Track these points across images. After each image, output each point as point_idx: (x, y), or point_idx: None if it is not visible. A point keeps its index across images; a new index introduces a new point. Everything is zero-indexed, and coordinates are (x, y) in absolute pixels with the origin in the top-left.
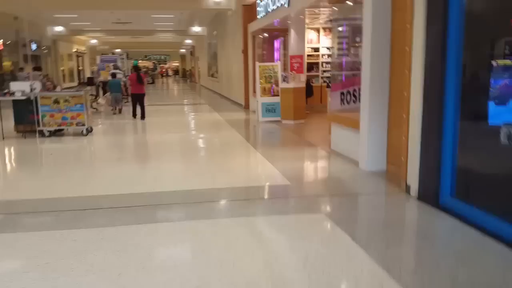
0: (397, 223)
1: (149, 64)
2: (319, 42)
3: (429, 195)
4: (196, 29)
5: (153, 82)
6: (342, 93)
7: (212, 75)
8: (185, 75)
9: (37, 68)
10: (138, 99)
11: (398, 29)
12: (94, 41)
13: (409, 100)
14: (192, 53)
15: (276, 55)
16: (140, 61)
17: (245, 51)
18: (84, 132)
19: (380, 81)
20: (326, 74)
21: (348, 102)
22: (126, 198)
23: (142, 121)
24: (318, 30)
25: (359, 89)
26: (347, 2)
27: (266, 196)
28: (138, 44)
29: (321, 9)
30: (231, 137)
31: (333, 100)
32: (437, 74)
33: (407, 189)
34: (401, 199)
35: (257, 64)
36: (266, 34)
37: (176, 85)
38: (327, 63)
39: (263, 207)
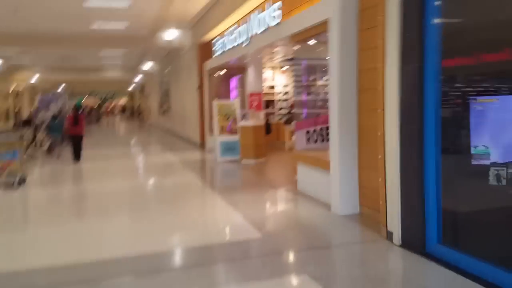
0: (386, 277)
1: (94, 102)
2: (273, 80)
3: (414, 242)
4: (147, 66)
5: (98, 121)
6: (307, 132)
7: (164, 113)
8: (133, 112)
9: None
10: (76, 141)
11: (366, 68)
12: (35, 79)
13: (384, 140)
14: (141, 90)
15: (232, 93)
16: (85, 99)
17: (201, 88)
18: (15, 184)
19: (348, 120)
20: (282, 111)
21: (315, 141)
22: (59, 272)
23: (79, 165)
24: (273, 68)
25: (326, 128)
26: (308, 42)
27: (234, 256)
28: (84, 82)
29: (279, 47)
30: (187, 181)
31: (298, 138)
32: (415, 112)
33: (389, 236)
34: (383, 248)
35: (215, 102)
36: (222, 72)
37: (124, 123)
38: (283, 100)
39: (233, 272)
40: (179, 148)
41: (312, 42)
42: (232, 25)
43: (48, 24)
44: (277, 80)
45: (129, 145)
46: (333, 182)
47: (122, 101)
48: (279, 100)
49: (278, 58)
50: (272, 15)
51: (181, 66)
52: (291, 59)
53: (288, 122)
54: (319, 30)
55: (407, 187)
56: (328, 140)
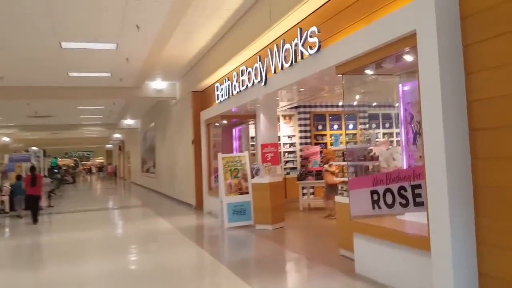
0: None
1: (69, 162)
2: (279, 130)
3: None
4: (129, 121)
5: (74, 182)
6: (374, 192)
7: (148, 171)
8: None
9: None
10: (33, 202)
11: (484, 98)
12: (5, 139)
13: None
14: (120, 148)
15: (235, 145)
16: (59, 159)
17: (196, 142)
18: None
19: (458, 174)
20: (288, 165)
21: (389, 205)
22: None
23: (45, 236)
24: (278, 118)
25: (413, 186)
26: (365, 71)
27: None
28: (58, 141)
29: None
30: (196, 260)
31: (356, 201)
32: None
33: None
34: None
35: (220, 155)
36: (224, 122)
37: (101, 183)
38: (289, 152)
39: None
40: (170, 211)
41: (370, 71)
42: (238, 66)
43: (20, 74)
44: (283, 131)
45: (109, 208)
46: (438, 269)
47: (99, 160)
48: (285, 152)
49: (282, 106)
50: (305, 44)
51: (169, 119)
52: (296, 107)
53: (301, 178)
54: (390, 50)
55: None
56: (409, 204)
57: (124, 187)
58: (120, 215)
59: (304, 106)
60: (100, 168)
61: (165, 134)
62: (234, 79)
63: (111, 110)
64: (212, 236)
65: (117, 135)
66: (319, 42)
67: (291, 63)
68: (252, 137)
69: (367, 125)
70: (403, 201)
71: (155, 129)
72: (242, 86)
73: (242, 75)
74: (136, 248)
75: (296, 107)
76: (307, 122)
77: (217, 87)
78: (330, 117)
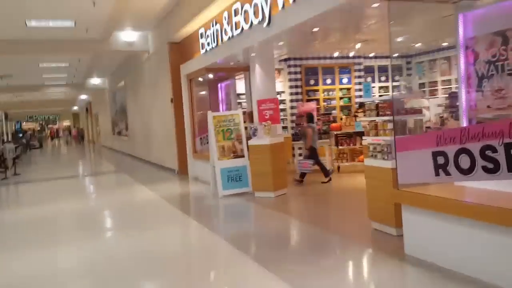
0: None
1: (35, 125)
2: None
3: None
4: (96, 81)
5: (40, 146)
6: (439, 154)
7: (120, 133)
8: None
9: None
10: None
11: None
12: None
13: None
14: (88, 110)
15: (222, 102)
16: (24, 123)
17: (176, 100)
18: None
19: None
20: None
21: (465, 170)
22: None
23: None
24: None
25: (506, 145)
26: None
27: None
28: (22, 103)
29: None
30: (196, 239)
31: (407, 165)
32: None
33: None
34: None
35: (210, 114)
36: (210, 76)
37: (70, 148)
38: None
39: None
40: (150, 177)
41: None
42: (231, 5)
43: None
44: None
45: (82, 175)
46: None
47: (66, 123)
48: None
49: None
50: None
51: (142, 76)
52: (285, 60)
53: (297, 138)
54: None
55: None
56: (499, 169)
57: (94, 151)
58: (95, 182)
59: (295, 59)
60: (70, 131)
61: (137, 93)
62: (225, 22)
63: (77, 68)
64: (207, 207)
65: (83, 96)
66: None
67: None
68: (239, 94)
69: (363, 78)
70: (490, 165)
71: (126, 88)
72: (236, 29)
73: (235, 16)
74: (121, 224)
75: (286, 60)
76: (298, 76)
77: (201, 34)
78: (322, 71)
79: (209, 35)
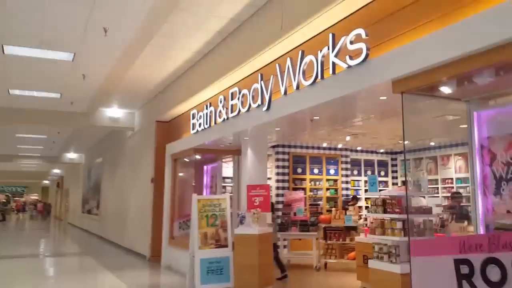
0: None
1: (1, 197)
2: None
3: None
4: (72, 155)
5: (3, 219)
6: (462, 262)
7: (89, 212)
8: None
9: None
10: None
11: None
12: None
13: None
14: (59, 185)
15: (206, 185)
16: None
17: (157, 180)
18: None
19: None
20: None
21: (495, 284)
22: None
23: None
24: None
25: None
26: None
27: None
28: None
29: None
30: None
31: (423, 273)
32: None
33: None
34: None
35: (195, 197)
36: (197, 157)
37: (36, 223)
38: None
39: None
40: (118, 263)
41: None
42: (227, 89)
43: None
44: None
45: (42, 255)
46: None
47: (34, 197)
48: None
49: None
50: (339, 54)
51: (122, 153)
52: (273, 146)
53: (283, 228)
54: (481, 61)
55: None
56: None
57: (60, 229)
58: (55, 265)
59: (283, 146)
60: (36, 206)
61: (115, 170)
62: (220, 104)
63: (55, 141)
64: None
65: (56, 171)
66: (367, 49)
67: (314, 79)
68: (225, 178)
69: (350, 171)
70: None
71: (103, 164)
72: (232, 112)
73: (232, 99)
74: None
75: (274, 147)
76: (286, 163)
77: (193, 114)
78: (310, 160)
79: (202, 116)
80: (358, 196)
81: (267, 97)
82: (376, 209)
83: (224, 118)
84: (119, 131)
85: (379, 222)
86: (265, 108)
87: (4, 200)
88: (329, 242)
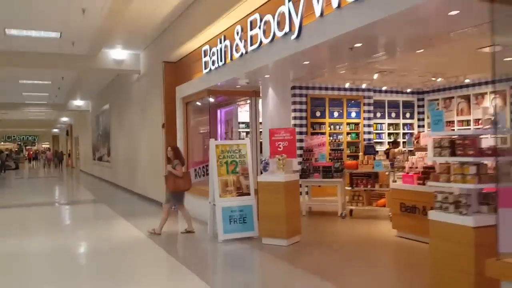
0: None
1: (13, 146)
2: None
3: None
4: (78, 102)
5: (16, 168)
6: None
7: (100, 159)
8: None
9: None
10: None
11: None
12: None
13: None
14: (68, 133)
15: (220, 130)
16: (1, 143)
17: (168, 125)
18: None
19: None
20: None
21: None
22: None
23: None
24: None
25: None
26: None
27: None
28: (0, 122)
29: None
30: None
31: None
32: None
33: None
34: None
35: (213, 142)
36: (211, 99)
37: (47, 171)
38: None
39: None
40: (134, 210)
41: None
42: (245, 17)
43: None
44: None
45: (57, 203)
46: None
47: (45, 145)
48: None
49: None
50: None
51: (129, 98)
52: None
53: (305, 175)
54: None
55: None
56: None
57: (72, 176)
58: (71, 213)
59: (300, 87)
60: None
61: (123, 117)
62: (237, 37)
63: (59, 87)
64: (205, 254)
65: (65, 119)
66: None
67: None
68: (242, 122)
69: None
70: None
71: (110, 111)
72: (251, 44)
73: (251, 29)
74: (96, 273)
75: (291, 88)
76: (303, 107)
77: (204, 51)
78: (329, 102)
79: (215, 52)
80: (394, 141)
81: (297, 22)
82: (441, 151)
83: (242, 53)
84: (124, 75)
85: (445, 167)
86: (294, 35)
87: (16, 149)
88: (356, 188)
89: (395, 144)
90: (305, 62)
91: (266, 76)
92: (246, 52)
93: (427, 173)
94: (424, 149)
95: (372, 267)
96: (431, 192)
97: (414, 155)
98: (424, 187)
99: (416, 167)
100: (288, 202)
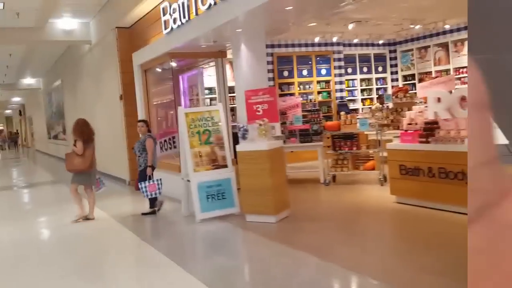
0: None
1: None
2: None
3: None
4: (29, 81)
5: None
6: None
7: (56, 137)
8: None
9: None
10: None
11: None
12: None
13: None
14: (21, 113)
15: (184, 98)
16: None
17: (128, 97)
18: None
19: None
20: None
21: None
22: None
23: None
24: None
25: None
26: None
27: None
28: None
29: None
30: None
31: None
32: None
33: None
34: None
35: (182, 110)
36: (173, 64)
37: (3, 152)
38: None
39: None
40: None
41: None
42: None
43: None
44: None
45: (14, 186)
46: None
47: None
48: None
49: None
50: None
51: (81, 71)
52: None
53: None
54: None
55: None
56: None
57: (28, 156)
58: (31, 197)
59: (265, 46)
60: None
61: (76, 91)
62: None
63: (8, 65)
64: (188, 238)
65: (16, 99)
66: None
67: None
68: (208, 88)
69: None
70: None
71: (63, 87)
72: None
73: None
74: (62, 265)
75: None
76: (270, 67)
77: (163, 9)
78: (297, 60)
79: (176, 8)
80: (353, 98)
81: None
82: None
83: (210, 4)
84: (76, 47)
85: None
86: None
87: None
88: (339, 151)
89: (380, 98)
90: (287, 8)
91: (238, 30)
92: (215, 3)
93: (430, 129)
94: (410, 103)
95: (379, 242)
96: (438, 150)
97: (396, 111)
98: (428, 145)
99: (416, 123)
100: (273, 173)
